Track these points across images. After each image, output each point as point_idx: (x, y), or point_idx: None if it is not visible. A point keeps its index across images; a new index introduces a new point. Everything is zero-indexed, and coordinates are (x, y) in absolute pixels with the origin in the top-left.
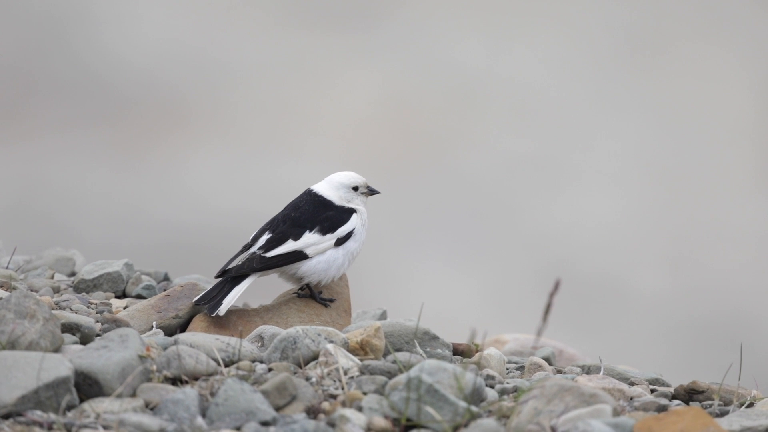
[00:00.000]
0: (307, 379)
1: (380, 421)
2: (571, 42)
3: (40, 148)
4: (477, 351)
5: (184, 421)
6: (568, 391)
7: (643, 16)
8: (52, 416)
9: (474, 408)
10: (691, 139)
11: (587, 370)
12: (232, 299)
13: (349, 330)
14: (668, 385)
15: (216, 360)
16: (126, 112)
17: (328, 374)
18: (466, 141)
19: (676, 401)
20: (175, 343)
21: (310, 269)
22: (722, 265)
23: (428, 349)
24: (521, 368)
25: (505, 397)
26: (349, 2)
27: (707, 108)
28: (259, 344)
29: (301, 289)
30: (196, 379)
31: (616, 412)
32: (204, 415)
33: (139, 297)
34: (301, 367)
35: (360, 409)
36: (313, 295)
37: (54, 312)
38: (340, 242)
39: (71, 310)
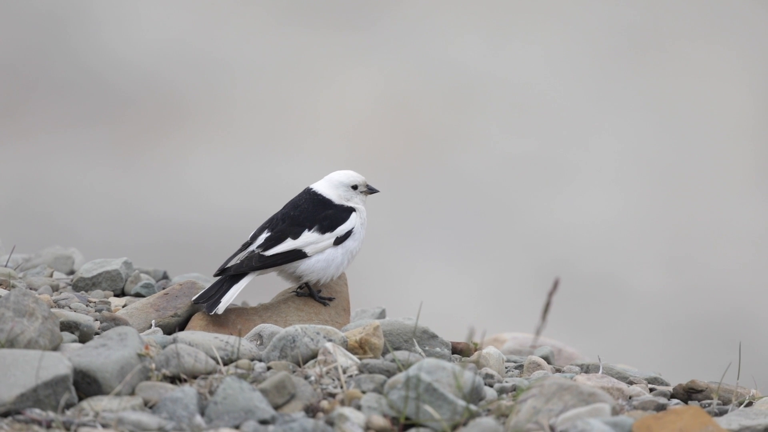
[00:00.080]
0: (306, 377)
1: (379, 420)
2: (571, 41)
3: (40, 147)
4: (476, 350)
5: (183, 419)
6: (567, 390)
7: (643, 15)
8: (51, 414)
9: (473, 407)
10: (690, 138)
11: (586, 369)
12: (230, 298)
13: (348, 329)
14: (667, 384)
15: (215, 358)
16: (125, 111)
17: (327, 373)
18: (465, 139)
19: (675, 400)
20: (174, 341)
21: (309, 268)
22: (721, 264)
23: (427, 348)
24: (520, 367)
25: (504, 395)
26: (349, 1)
27: (707, 107)
28: (258, 343)
29: (300, 287)
30: (194, 377)
31: (615, 411)
32: (203, 414)
33: (138, 295)
34: (300, 366)
35: (359, 407)
36: (312, 294)
37: (53, 310)
38: (339, 241)
39: (70, 308)
